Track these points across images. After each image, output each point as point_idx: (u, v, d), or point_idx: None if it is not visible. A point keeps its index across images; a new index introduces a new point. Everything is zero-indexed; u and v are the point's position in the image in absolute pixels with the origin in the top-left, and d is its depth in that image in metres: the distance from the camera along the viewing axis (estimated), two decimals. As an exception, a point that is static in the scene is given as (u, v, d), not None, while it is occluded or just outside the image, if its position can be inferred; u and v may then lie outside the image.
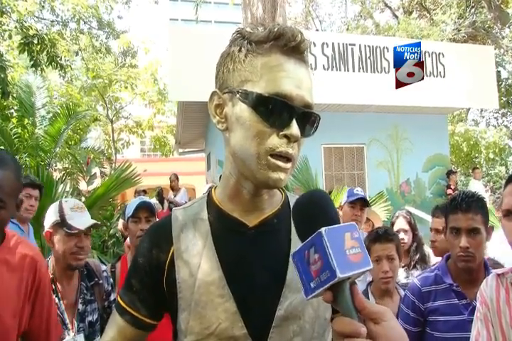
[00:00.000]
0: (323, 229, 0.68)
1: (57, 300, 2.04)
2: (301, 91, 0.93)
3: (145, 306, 1.08)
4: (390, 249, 2.40)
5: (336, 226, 0.70)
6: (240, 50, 0.96)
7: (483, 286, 1.61)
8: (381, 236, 2.43)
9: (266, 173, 0.93)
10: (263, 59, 0.94)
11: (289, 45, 0.93)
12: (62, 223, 2.06)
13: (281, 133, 0.92)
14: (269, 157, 0.92)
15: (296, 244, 0.99)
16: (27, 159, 8.43)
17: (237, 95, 0.95)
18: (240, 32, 0.99)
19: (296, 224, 0.80)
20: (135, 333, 1.09)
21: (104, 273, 2.29)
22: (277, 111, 0.91)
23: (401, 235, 3.06)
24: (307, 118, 0.96)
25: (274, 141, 0.92)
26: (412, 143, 9.44)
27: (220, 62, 1.02)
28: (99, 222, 2.14)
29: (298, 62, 0.96)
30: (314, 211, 0.77)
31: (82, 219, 2.08)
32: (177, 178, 9.53)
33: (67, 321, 2.03)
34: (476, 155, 16.32)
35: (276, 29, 0.93)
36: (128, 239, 4.04)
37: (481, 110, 19.94)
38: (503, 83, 17.95)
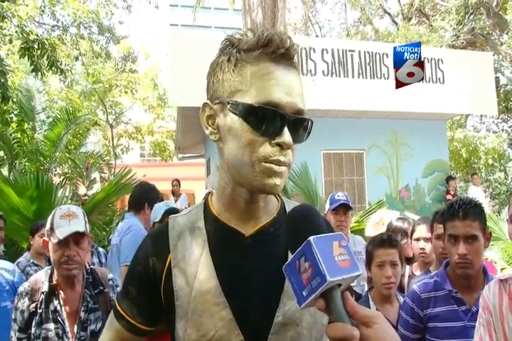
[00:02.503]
0: (311, 238, 0.71)
1: (58, 307, 2.03)
2: (292, 98, 0.93)
3: (141, 313, 1.09)
4: (393, 255, 2.39)
5: (324, 235, 0.73)
6: (228, 60, 0.96)
7: (486, 292, 1.62)
8: (385, 241, 2.43)
9: (262, 180, 0.93)
10: (252, 68, 0.94)
11: (278, 52, 0.93)
12: (50, 232, 2.04)
13: (273, 141, 0.92)
14: (262, 163, 0.92)
15: None
16: (27, 164, 8.43)
17: (228, 106, 0.95)
18: (229, 39, 0.98)
19: (287, 239, 0.81)
20: (131, 338, 1.11)
21: (111, 282, 2.25)
22: (268, 120, 0.91)
23: (421, 244, 2.89)
24: (299, 124, 0.96)
25: (267, 150, 0.92)
26: (412, 148, 9.45)
27: (209, 72, 1.02)
28: (80, 230, 2.04)
29: (287, 69, 0.95)
30: (304, 226, 0.78)
31: (66, 228, 2.02)
32: (179, 184, 9.56)
33: (68, 329, 2.01)
34: (476, 161, 16.33)
35: (264, 35, 0.93)
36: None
37: (481, 116, 19.97)
38: (502, 89, 17.99)
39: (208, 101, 1.01)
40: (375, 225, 4.00)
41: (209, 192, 7.08)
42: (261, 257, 1.02)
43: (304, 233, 0.74)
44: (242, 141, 0.93)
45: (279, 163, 0.92)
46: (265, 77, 0.92)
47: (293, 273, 0.73)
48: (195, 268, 1.01)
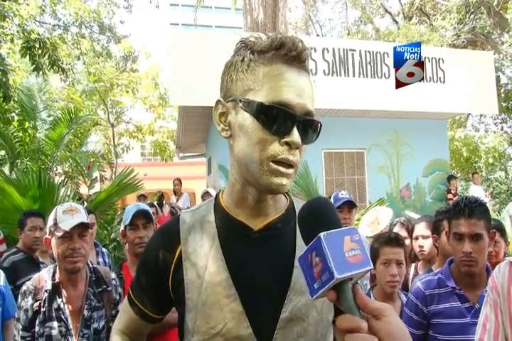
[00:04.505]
0: (322, 234, 0.72)
1: (62, 306, 2.04)
2: (302, 100, 0.95)
3: (150, 302, 1.16)
4: (400, 254, 2.40)
5: (335, 230, 0.74)
6: (242, 60, 1.00)
7: (496, 272, 1.63)
8: (392, 239, 2.44)
9: (268, 179, 0.96)
10: (265, 68, 0.97)
11: (290, 55, 0.96)
12: (54, 227, 2.06)
13: (282, 140, 0.94)
14: (271, 163, 0.94)
15: (300, 247, 1.02)
16: (28, 163, 8.43)
17: (240, 104, 0.98)
18: (244, 42, 1.02)
19: (301, 230, 0.83)
20: (143, 324, 1.20)
21: (114, 282, 2.27)
22: (278, 119, 0.93)
23: (420, 241, 3.00)
24: (309, 125, 0.98)
25: (276, 148, 0.94)
26: (412, 148, 9.46)
27: (224, 71, 1.05)
28: (85, 221, 2.09)
29: (299, 71, 0.98)
30: (317, 217, 0.80)
31: (70, 221, 2.06)
32: (180, 183, 9.60)
33: (71, 327, 2.03)
34: (476, 160, 16.33)
35: (278, 38, 0.96)
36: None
37: (481, 115, 19.96)
38: (503, 88, 17.97)
39: (221, 99, 1.05)
40: (371, 225, 4.00)
41: (206, 192, 7.01)
42: (268, 252, 1.05)
43: (318, 225, 0.76)
44: (252, 139, 0.95)
45: (287, 161, 0.95)
46: (277, 78, 0.95)
47: (306, 265, 0.75)
48: (205, 260, 1.04)
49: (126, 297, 1.23)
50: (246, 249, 1.05)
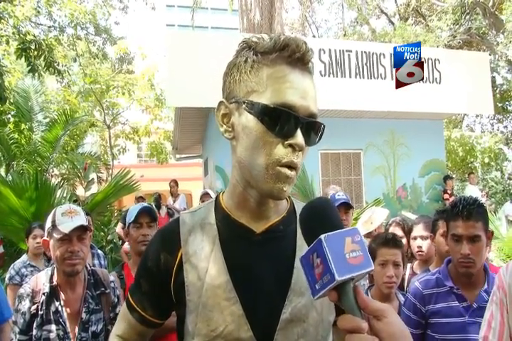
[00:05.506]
0: (322, 236, 0.72)
1: (59, 308, 2.02)
2: (306, 102, 0.95)
3: (152, 307, 1.13)
4: (397, 255, 2.39)
5: (336, 232, 0.73)
6: (245, 61, 0.98)
7: (503, 271, 1.61)
8: (389, 240, 2.43)
9: (271, 184, 0.95)
10: (268, 70, 0.96)
11: (294, 57, 0.95)
12: (53, 229, 2.04)
13: (286, 142, 0.94)
14: (277, 167, 0.94)
15: (301, 249, 1.03)
16: (24, 165, 8.40)
17: (244, 105, 0.97)
18: (247, 42, 1.01)
19: (302, 231, 0.82)
20: (143, 330, 1.16)
21: (112, 284, 2.24)
22: (282, 121, 0.93)
23: (419, 242, 3.00)
24: (312, 127, 0.98)
25: (280, 151, 0.94)
26: (409, 148, 9.47)
27: (226, 72, 1.04)
28: (85, 224, 2.07)
29: (302, 73, 0.98)
30: (318, 218, 0.79)
31: (70, 224, 2.04)
32: (176, 184, 9.58)
33: (69, 330, 2.01)
34: (472, 160, 16.35)
35: (281, 39, 0.95)
36: (125, 245, 4.02)
37: (476, 116, 20.03)
38: (498, 89, 18.04)
39: (224, 100, 1.03)
40: (364, 223, 4.01)
41: (206, 193, 6.95)
42: (270, 254, 1.04)
43: (319, 226, 0.76)
44: (256, 141, 0.95)
45: (292, 164, 0.94)
46: (281, 80, 0.94)
47: (307, 266, 0.75)
48: (206, 263, 1.03)
49: (124, 303, 1.20)
50: (247, 252, 1.05)
